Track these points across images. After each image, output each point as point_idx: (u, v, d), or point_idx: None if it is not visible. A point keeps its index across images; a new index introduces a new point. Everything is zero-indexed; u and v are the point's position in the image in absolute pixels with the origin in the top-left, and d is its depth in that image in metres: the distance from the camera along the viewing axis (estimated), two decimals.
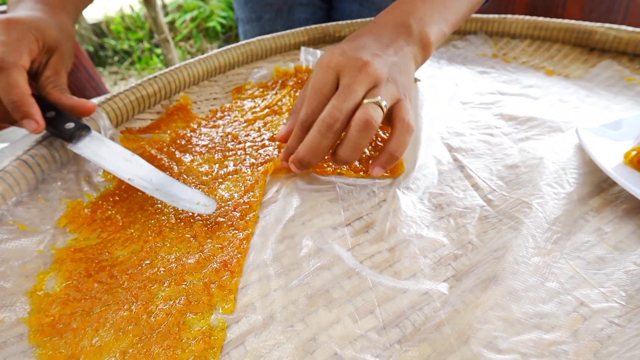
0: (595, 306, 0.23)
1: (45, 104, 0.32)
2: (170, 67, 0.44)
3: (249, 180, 0.33)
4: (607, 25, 0.49)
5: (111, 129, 0.36)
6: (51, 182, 0.32)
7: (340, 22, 0.57)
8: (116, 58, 2.44)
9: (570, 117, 0.40)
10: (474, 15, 0.58)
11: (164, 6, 2.42)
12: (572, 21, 0.52)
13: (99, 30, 2.44)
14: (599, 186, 0.31)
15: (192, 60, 0.46)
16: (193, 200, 0.29)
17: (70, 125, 0.31)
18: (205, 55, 0.47)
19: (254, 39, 0.51)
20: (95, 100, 0.38)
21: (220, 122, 0.42)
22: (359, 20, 0.58)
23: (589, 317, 0.23)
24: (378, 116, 0.27)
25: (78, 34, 2.32)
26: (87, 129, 0.32)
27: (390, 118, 0.30)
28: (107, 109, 0.37)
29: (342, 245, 0.27)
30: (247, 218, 0.29)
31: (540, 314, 0.23)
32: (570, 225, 0.28)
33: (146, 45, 2.45)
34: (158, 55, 2.41)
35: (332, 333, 0.22)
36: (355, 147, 0.28)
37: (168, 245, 0.27)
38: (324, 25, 0.56)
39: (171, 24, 2.50)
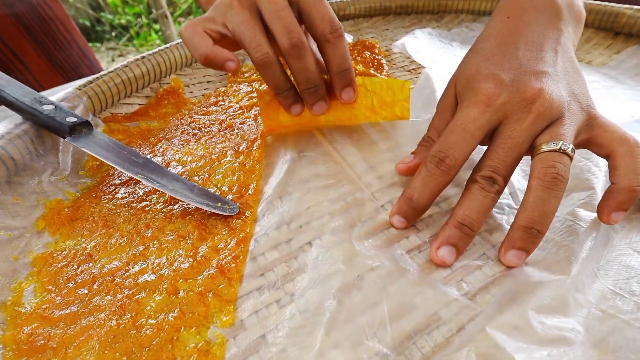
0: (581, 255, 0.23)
1: (41, 97, 0.30)
2: (161, 47, 0.41)
3: (244, 172, 0.30)
4: (636, 7, 0.45)
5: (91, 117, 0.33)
6: (27, 178, 0.29)
7: (344, 0, 0.53)
8: (114, 33, 2.37)
9: None
10: None
11: None
12: (596, 2, 0.48)
13: (96, 3, 2.36)
14: None
15: None
16: (214, 200, 0.27)
17: (72, 119, 0.29)
18: None
19: None
20: (81, 81, 0.35)
21: (213, 108, 0.39)
22: None
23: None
24: (566, 167, 0.21)
25: (73, 7, 2.24)
26: (89, 125, 0.30)
27: (591, 143, 0.24)
28: (90, 93, 0.34)
29: (342, 253, 0.24)
30: (245, 216, 0.27)
31: None
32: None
33: (144, 20, 2.38)
34: (156, 32, 2.34)
35: (329, 359, 0.19)
36: (544, 212, 0.21)
37: (158, 247, 0.25)
38: None
39: None
